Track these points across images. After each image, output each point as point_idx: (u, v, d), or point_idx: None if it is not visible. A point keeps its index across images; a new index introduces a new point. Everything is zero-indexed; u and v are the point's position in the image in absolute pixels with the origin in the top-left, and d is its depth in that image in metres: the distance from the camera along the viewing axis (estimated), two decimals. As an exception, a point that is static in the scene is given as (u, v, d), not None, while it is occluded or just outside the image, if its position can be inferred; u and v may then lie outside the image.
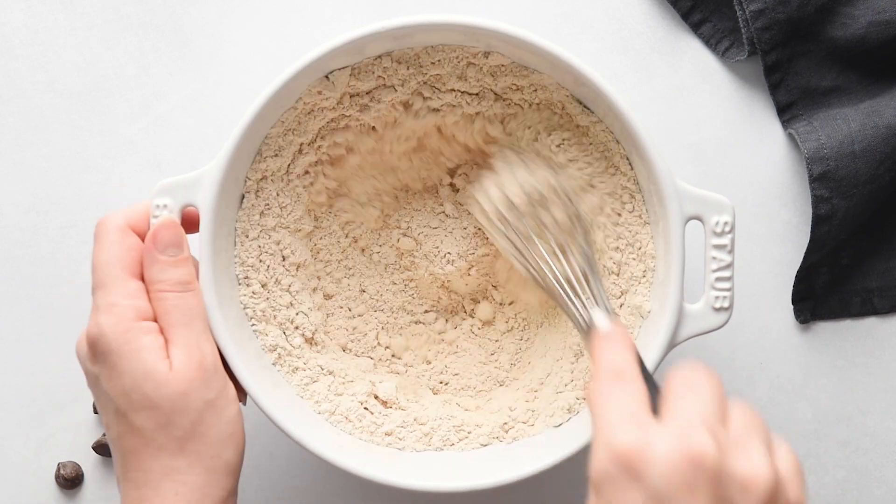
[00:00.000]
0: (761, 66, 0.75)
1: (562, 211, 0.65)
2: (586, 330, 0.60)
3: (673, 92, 0.77)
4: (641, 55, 0.77)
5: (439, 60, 0.66)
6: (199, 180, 0.62)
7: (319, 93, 0.66)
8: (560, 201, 0.65)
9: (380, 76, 0.67)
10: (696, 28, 0.77)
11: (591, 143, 0.68)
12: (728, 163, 0.77)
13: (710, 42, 0.77)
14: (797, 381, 0.77)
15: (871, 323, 0.77)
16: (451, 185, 0.73)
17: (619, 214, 0.67)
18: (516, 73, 0.67)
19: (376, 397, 0.69)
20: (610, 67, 0.77)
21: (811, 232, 0.74)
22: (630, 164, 0.66)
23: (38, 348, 0.76)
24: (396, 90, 0.68)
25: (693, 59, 0.77)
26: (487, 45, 0.65)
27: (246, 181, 0.66)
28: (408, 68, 0.67)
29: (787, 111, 0.76)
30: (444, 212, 0.73)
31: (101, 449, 0.75)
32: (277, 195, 0.68)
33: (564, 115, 0.68)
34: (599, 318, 0.59)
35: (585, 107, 0.66)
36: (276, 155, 0.67)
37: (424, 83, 0.68)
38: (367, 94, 0.68)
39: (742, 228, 0.76)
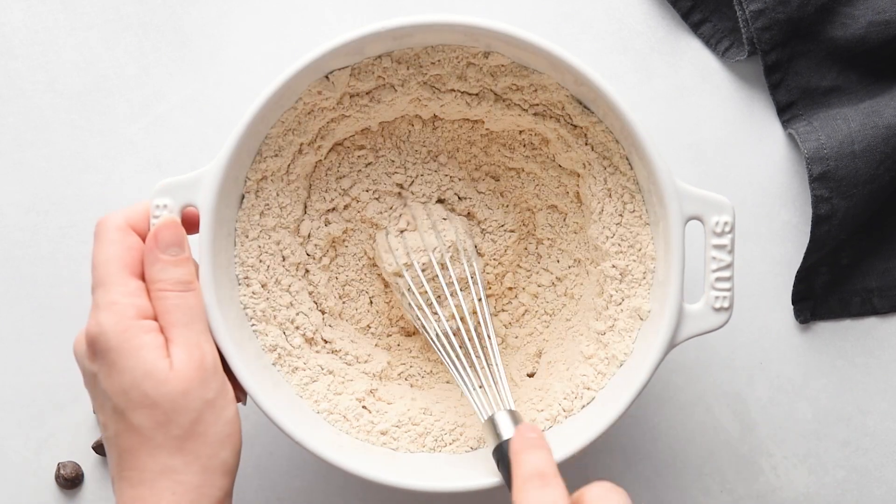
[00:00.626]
0: (761, 66, 0.75)
1: (460, 268, 0.69)
2: (485, 418, 0.62)
3: (673, 92, 0.77)
4: (641, 55, 0.77)
5: (439, 60, 0.66)
6: (198, 180, 0.62)
7: (319, 93, 0.66)
8: (461, 260, 0.69)
9: (380, 76, 0.67)
10: (696, 28, 0.77)
11: (588, 144, 0.68)
12: (728, 163, 0.77)
13: (710, 42, 0.77)
14: (797, 381, 0.77)
15: (871, 323, 0.77)
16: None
17: (621, 215, 0.67)
18: (516, 73, 0.66)
19: (383, 378, 0.70)
20: (610, 67, 0.77)
21: (811, 232, 0.74)
22: (630, 164, 0.66)
23: (38, 348, 0.76)
24: (396, 90, 0.67)
25: (693, 59, 0.77)
26: (487, 45, 0.65)
27: (246, 181, 0.66)
28: (408, 68, 0.67)
29: (787, 111, 0.76)
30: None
31: (102, 449, 0.75)
32: (277, 195, 0.68)
33: (564, 115, 0.68)
34: (504, 421, 0.61)
35: (585, 107, 0.66)
36: (276, 155, 0.66)
37: (424, 83, 0.68)
38: (367, 94, 0.67)
39: (742, 228, 0.76)
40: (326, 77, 0.65)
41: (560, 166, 0.71)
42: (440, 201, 0.73)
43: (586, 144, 0.68)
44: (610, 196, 0.67)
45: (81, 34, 0.77)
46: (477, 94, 0.68)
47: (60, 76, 0.77)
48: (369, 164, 0.72)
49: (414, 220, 0.71)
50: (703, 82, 0.77)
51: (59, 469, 0.75)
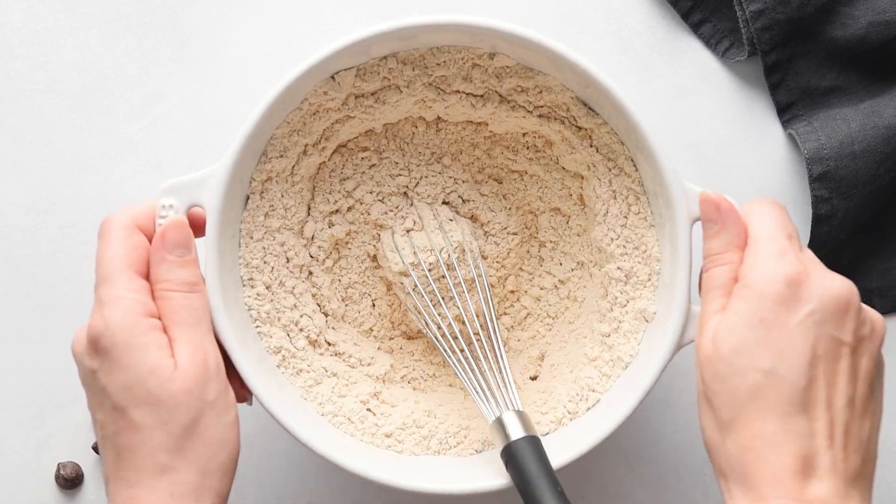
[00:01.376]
0: (761, 66, 0.75)
1: (466, 269, 0.68)
2: (492, 419, 0.63)
3: (673, 92, 0.77)
4: (641, 55, 0.77)
5: (444, 62, 0.66)
6: (204, 181, 0.62)
7: (325, 93, 0.66)
8: (467, 261, 0.68)
9: (385, 77, 0.66)
10: (696, 28, 0.77)
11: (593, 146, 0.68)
12: (728, 163, 0.77)
13: (710, 42, 0.77)
14: (797, 380, 0.77)
15: (871, 323, 0.77)
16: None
17: (626, 217, 0.67)
18: (521, 74, 0.66)
19: (385, 382, 0.70)
20: (610, 67, 0.77)
21: (811, 232, 0.74)
22: (635, 165, 0.66)
23: (38, 348, 0.76)
24: (401, 91, 0.67)
25: (693, 59, 0.77)
26: (493, 45, 0.65)
27: (251, 182, 0.66)
28: (413, 69, 0.67)
29: (787, 111, 0.76)
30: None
31: (102, 449, 0.75)
32: (282, 196, 0.67)
33: (569, 117, 0.68)
34: (513, 422, 0.62)
35: (590, 109, 0.66)
36: (281, 156, 0.66)
37: (429, 84, 0.68)
38: (372, 94, 0.67)
39: (742, 228, 0.76)
40: (332, 78, 0.65)
41: (563, 169, 0.71)
42: (444, 203, 0.73)
43: (591, 146, 0.68)
44: (615, 198, 0.67)
45: (81, 34, 0.77)
46: (482, 96, 0.68)
47: (60, 76, 0.76)
48: (373, 165, 0.71)
49: (420, 220, 0.71)
50: (703, 82, 0.77)
51: (59, 469, 0.75)
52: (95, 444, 0.75)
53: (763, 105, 0.77)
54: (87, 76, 0.77)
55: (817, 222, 0.74)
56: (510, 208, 0.73)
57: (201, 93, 0.77)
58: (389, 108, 0.68)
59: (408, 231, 0.71)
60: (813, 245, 0.74)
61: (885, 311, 0.77)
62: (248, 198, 0.66)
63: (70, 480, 0.75)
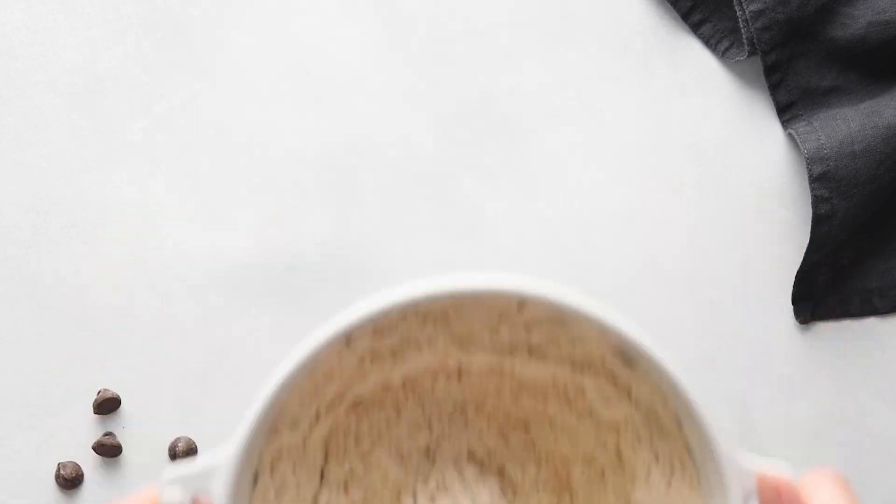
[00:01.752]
0: (761, 66, 0.75)
1: None
2: None
3: (673, 92, 0.77)
4: (641, 55, 0.77)
5: (468, 315, 0.60)
6: (211, 470, 0.55)
7: (339, 358, 0.60)
8: None
9: (403, 334, 0.60)
10: (696, 28, 0.77)
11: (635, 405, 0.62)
12: (728, 163, 0.77)
13: (710, 42, 0.77)
14: (797, 381, 0.77)
15: (871, 323, 0.77)
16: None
17: (669, 482, 0.60)
18: (553, 323, 0.59)
19: None
20: (610, 67, 0.77)
21: (811, 232, 0.74)
22: (679, 424, 0.58)
23: (38, 348, 0.76)
24: (422, 348, 0.62)
25: (693, 59, 0.77)
26: (521, 297, 0.56)
27: (260, 457, 0.59)
28: (434, 325, 0.60)
29: (787, 111, 0.76)
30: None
31: (101, 449, 0.75)
32: (294, 471, 0.62)
33: (605, 370, 0.61)
34: None
35: (630, 360, 0.59)
36: (293, 427, 0.60)
37: (452, 339, 0.62)
38: (389, 353, 0.62)
39: (742, 228, 0.76)
40: (346, 343, 0.59)
41: (599, 420, 0.63)
42: (469, 454, 0.67)
43: (629, 401, 0.61)
44: (657, 460, 0.60)
45: (81, 34, 0.77)
46: (509, 349, 0.62)
47: (60, 76, 0.77)
48: (390, 423, 0.65)
49: (444, 482, 0.66)
50: (703, 82, 0.77)
51: (59, 469, 0.75)
52: (95, 444, 0.75)
53: (763, 105, 0.77)
54: (87, 76, 0.77)
55: (817, 222, 0.74)
56: (539, 459, 0.66)
57: (201, 93, 0.77)
58: (408, 365, 0.63)
59: (431, 496, 0.65)
60: (813, 245, 0.74)
61: (885, 311, 0.77)
62: (257, 474, 0.59)
63: (70, 480, 0.75)
